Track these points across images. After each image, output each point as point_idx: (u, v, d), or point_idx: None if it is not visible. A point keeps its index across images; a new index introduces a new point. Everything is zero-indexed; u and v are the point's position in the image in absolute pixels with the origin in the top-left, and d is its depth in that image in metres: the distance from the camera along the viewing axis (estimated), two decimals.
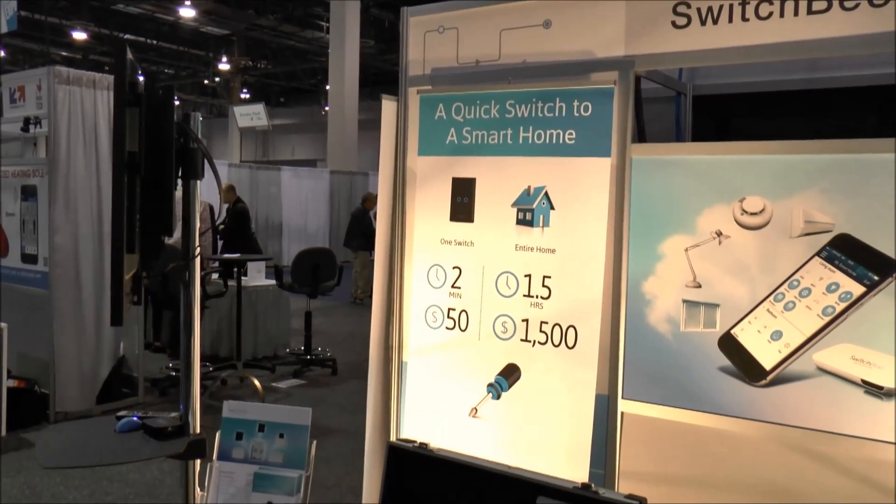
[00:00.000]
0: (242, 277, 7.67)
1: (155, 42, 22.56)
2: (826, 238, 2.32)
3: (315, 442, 2.17)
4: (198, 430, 2.37)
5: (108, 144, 5.92)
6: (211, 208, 7.87)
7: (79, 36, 21.00)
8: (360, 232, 12.19)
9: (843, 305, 2.29)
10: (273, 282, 8.38)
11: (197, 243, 2.33)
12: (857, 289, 2.26)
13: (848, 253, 2.29)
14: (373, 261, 3.59)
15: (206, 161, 2.34)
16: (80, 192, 5.91)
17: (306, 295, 7.97)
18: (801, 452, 2.40)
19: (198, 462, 2.42)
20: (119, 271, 1.92)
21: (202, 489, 2.41)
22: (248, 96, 26.31)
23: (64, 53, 23.21)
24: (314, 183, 19.14)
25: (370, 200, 12.18)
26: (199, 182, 2.34)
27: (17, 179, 6.13)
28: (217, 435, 2.28)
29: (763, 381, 2.41)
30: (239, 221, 10.29)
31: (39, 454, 2.21)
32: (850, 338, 2.28)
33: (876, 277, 2.23)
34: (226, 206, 10.24)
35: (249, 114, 20.37)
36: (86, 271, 5.95)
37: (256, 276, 8.44)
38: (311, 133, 26.99)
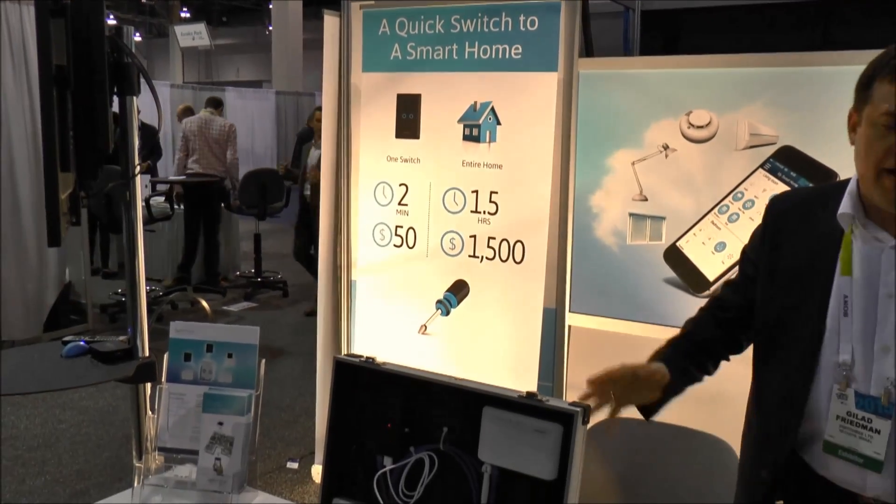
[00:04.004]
0: None
1: None
2: (770, 150, 2.35)
3: (264, 361, 2.16)
4: (146, 353, 2.34)
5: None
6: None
7: None
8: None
9: None
10: (221, 204, 8.23)
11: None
12: None
13: (790, 164, 2.32)
14: None
15: (142, 77, 2.25)
16: (11, 112, 5.65)
17: (255, 217, 7.87)
18: (740, 359, 2.47)
19: (148, 386, 2.40)
20: (53, 190, 1.86)
21: (153, 412, 2.40)
22: (188, 16, 25.30)
23: None
24: (260, 104, 18.68)
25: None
26: (135, 98, 2.26)
27: None
28: (165, 356, 2.26)
29: (706, 292, 2.47)
30: None
31: None
32: None
33: None
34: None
35: (191, 33, 19.60)
36: (24, 195, 5.77)
37: None
38: (255, 53, 26.23)
